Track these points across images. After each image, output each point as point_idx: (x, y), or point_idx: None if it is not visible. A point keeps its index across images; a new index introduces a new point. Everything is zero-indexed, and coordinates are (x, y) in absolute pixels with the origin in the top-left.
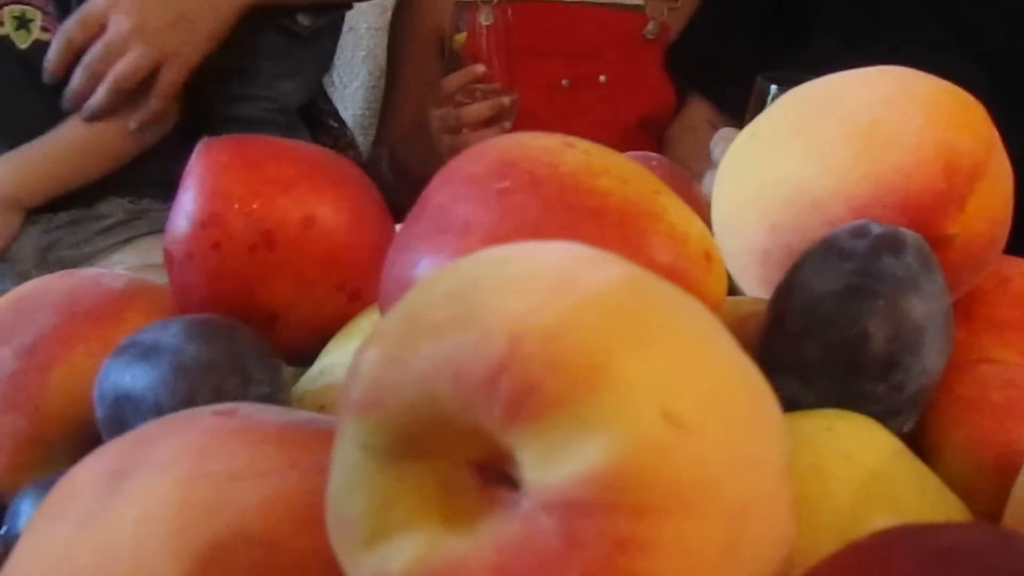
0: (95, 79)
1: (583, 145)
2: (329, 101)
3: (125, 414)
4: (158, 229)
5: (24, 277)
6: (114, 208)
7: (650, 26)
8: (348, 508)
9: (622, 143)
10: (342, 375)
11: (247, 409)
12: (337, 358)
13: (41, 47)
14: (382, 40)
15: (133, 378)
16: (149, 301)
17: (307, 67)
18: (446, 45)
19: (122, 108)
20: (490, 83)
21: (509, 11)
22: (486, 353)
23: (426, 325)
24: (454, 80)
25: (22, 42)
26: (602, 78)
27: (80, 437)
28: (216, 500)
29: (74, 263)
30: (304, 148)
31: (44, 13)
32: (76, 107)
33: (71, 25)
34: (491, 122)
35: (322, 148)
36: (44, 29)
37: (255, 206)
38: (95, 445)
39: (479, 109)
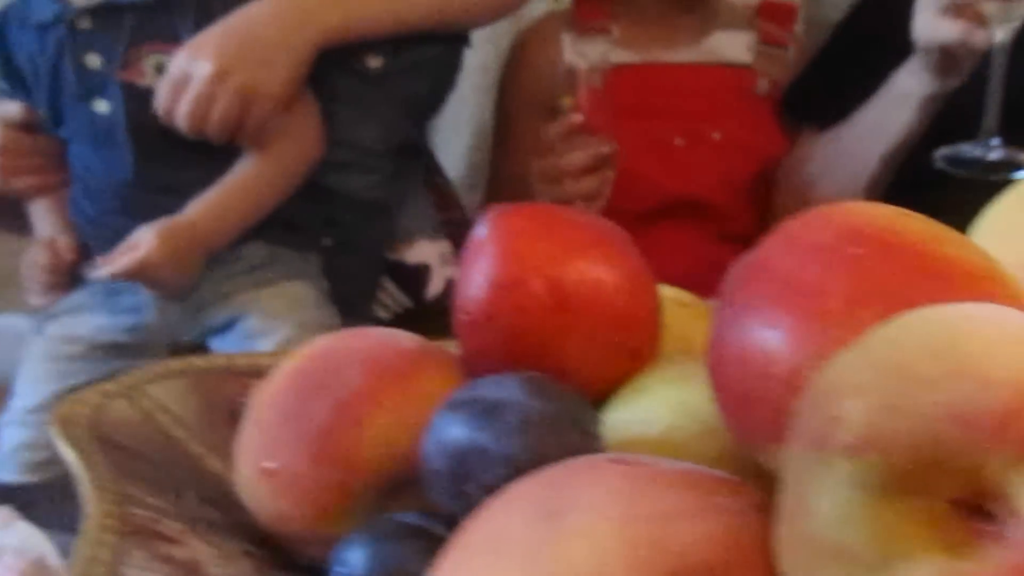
0: (196, 129)
1: (916, 215)
2: (433, 156)
3: (471, 466)
4: (296, 275)
5: (164, 311)
6: (256, 251)
7: (761, 83)
8: (846, 538)
9: (736, 198)
10: (639, 431)
11: (642, 457)
12: (628, 414)
13: None
14: (485, 101)
15: (479, 432)
16: (439, 360)
17: (384, 110)
18: (554, 107)
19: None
20: (591, 135)
21: (608, 71)
22: (992, 401)
23: (918, 377)
24: (554, 128)
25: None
26: (716, 135)
27: (383, 488)
28: (663, 537)
29: (211, 301)
30: (584, 216)
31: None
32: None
33: (163, 91)
34: (591, 172)
35: (595, 216)
36: None
37: (553, 270)
38: (398, 496)
39: (579, 158)
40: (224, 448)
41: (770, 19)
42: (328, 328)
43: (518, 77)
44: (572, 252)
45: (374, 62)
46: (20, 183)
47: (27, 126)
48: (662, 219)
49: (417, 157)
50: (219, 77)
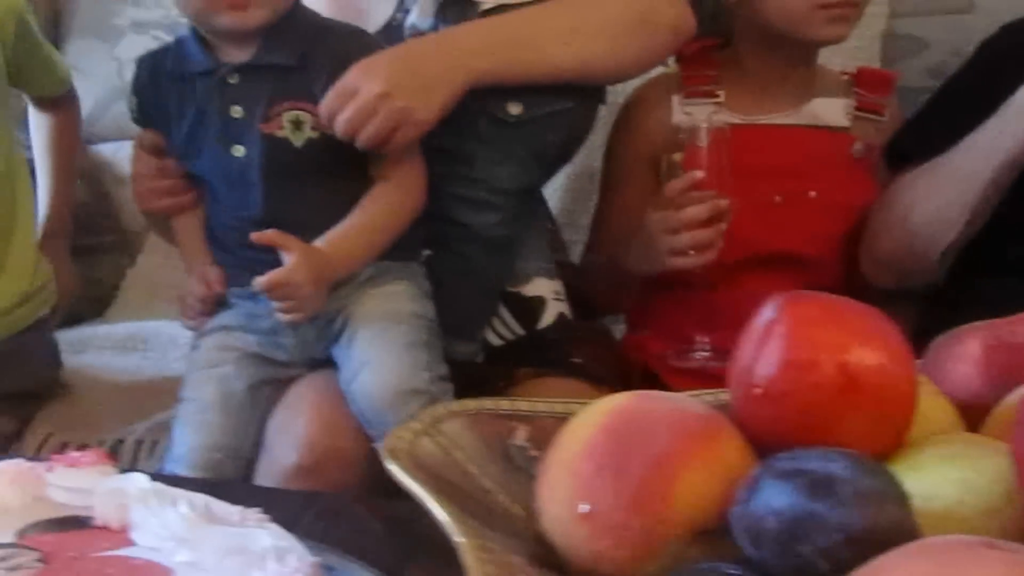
0: (348, 132)
1: None
2: (545, 202)
3: (806, 531)
4: (398, 278)
5: (299, 332)
6: (366, 267)
7: (857, 146)
8: None
9: (826, 251)
10: (921, 505)
11: (1003, 543)
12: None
13: (312, 144)
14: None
15: (814, 501)
16: (728, 425)
17: (519, 155)
18: (664, 163)
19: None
20: (708, 191)
21: (728, 131)
22: None
23: None
24: (675, 185)
25: (297, 140)
26: (812, 194)
27: (689, 536)
28: None
29: (334, 314)
30: (859, 305)
31: (313, 115)
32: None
33: (328, 99)
34: (708, 224)
35: (866, 305)
36: (313, 128)
37: (842, 354)
38: (700, 544)
39: (697, 211)
40: (506, 485)
41: (867, 87)
42: (421, 319)
43: (628, 135)
44: (857, 337)
45: (514, 109)
46: (158, 204)
47: (157, 151)
48: (754, 269)
49: (537, 201)
50: (384, 96)
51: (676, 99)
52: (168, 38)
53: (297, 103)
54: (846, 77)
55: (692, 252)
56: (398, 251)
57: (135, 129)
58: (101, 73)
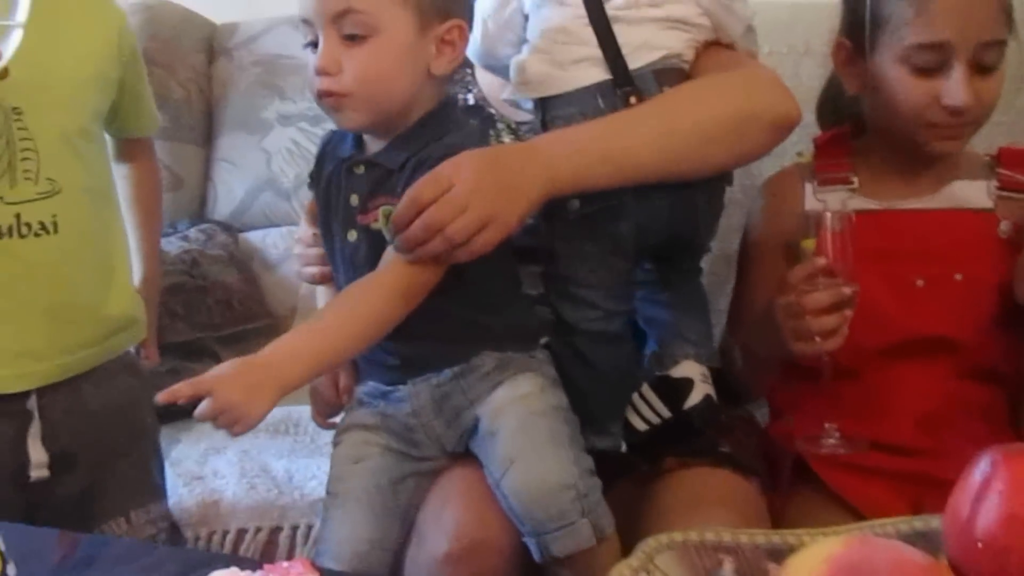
0: (431, 230)
1: None
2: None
3: None
4: (522, 370)
5: (428, 428)
6: (487, 359)
7: (1003, 225)
8: None
9: (981, 334)
10: None
11: None
12: None
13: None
14: None
15: None
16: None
17: (591, 250)
18: (795, 250)
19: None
20: (836, 275)
21: (853, 218)
22: None
23: None
24: (798, 272)
25: (389, 234)
26: (958, 276)
27: None
28: None
29: (462, 408)
30: None
31: None
32: (407, 251)
33: (420, 185)
34: (832, 310)
35: None
36: None
37: None
38: None
39: (820, 297)
40: None
41: (1010, 166)
42: (558, 410)
43: (763, 222)
44: None
45: (573, 204)
46: (307, 271)
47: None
48: (905, 356)
49: (694, 285)
50: (475, 192)
51: (810, 187)
52: (312, 130)
53: (392, 199)
54: (987, 158)
55: (818, 338)
56: (516, 342)
57: (282, 217)
58: (250, 164)
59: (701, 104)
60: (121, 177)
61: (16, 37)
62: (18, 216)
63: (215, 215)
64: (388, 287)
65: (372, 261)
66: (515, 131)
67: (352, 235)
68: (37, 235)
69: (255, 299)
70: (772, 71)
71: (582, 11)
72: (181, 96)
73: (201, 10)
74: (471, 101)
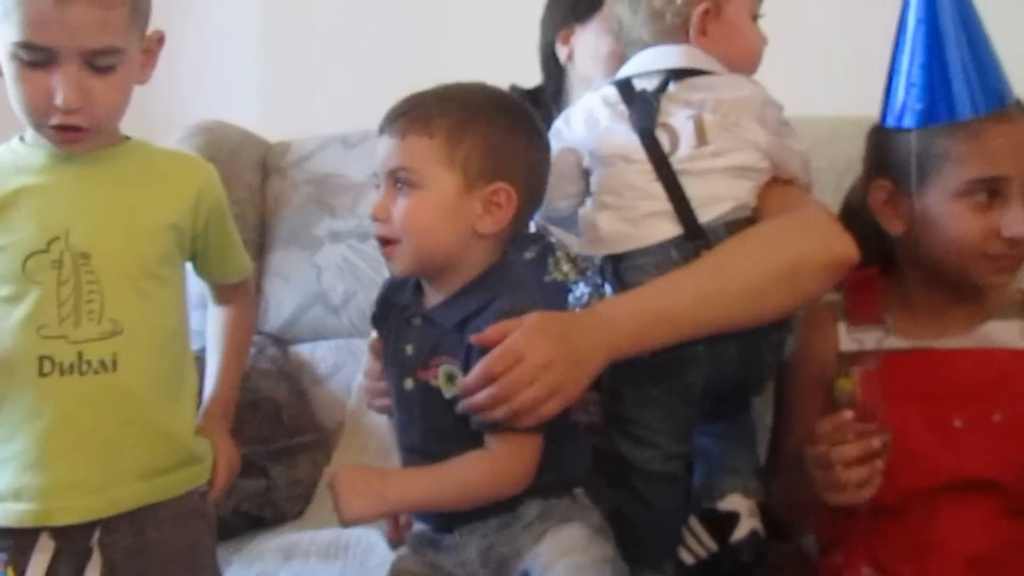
0: (499, 400)
1: None
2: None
3: None
4: (566, 519)
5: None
6: (531, 508)
7: None
8: None
9: (1020, 480)
10: None
11: None
12: None
13: (459, 399)
14: None
15: None
16: None
17: (660, 397)
18: (831, 389)
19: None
20: (866, 423)
21: (876, 371)
22: None
23: None
24: (826, 424)
25: (448, 393)
26: (996, 417)
27: None
28: None
29: (508, 558)
30: None
31: (463, 373)
32: (471, 412)
33: (493, 359)
34: (863, 461)
35: None
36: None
37: None
38: None
39: (850, 450)
40: None
41: None
42: (606, 563)
43: (797, 360)
44: None
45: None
46: (379, 403)
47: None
48: (949, 495)
49: (743, 418)
50: (545, 366)
51: (843, 326)
52: (361, 247)
53: (452, 359)
54: (1020, 296)
55: (850, 488)
56: (560, 487)
57: (331, 331)
58: (301, 279)
59: (753, 256)
60: (214, 315)
61: None
62: (80, 354)
63: (266, 328)
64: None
65: (426, 412)
66: (573, 259)
67: (408, 383)
68: (97, 372)
69: (304, 413)
70: (825, 209)
71: (648, 166)
72: (235, 213)
73: (256, 129)
74: (532, 228)
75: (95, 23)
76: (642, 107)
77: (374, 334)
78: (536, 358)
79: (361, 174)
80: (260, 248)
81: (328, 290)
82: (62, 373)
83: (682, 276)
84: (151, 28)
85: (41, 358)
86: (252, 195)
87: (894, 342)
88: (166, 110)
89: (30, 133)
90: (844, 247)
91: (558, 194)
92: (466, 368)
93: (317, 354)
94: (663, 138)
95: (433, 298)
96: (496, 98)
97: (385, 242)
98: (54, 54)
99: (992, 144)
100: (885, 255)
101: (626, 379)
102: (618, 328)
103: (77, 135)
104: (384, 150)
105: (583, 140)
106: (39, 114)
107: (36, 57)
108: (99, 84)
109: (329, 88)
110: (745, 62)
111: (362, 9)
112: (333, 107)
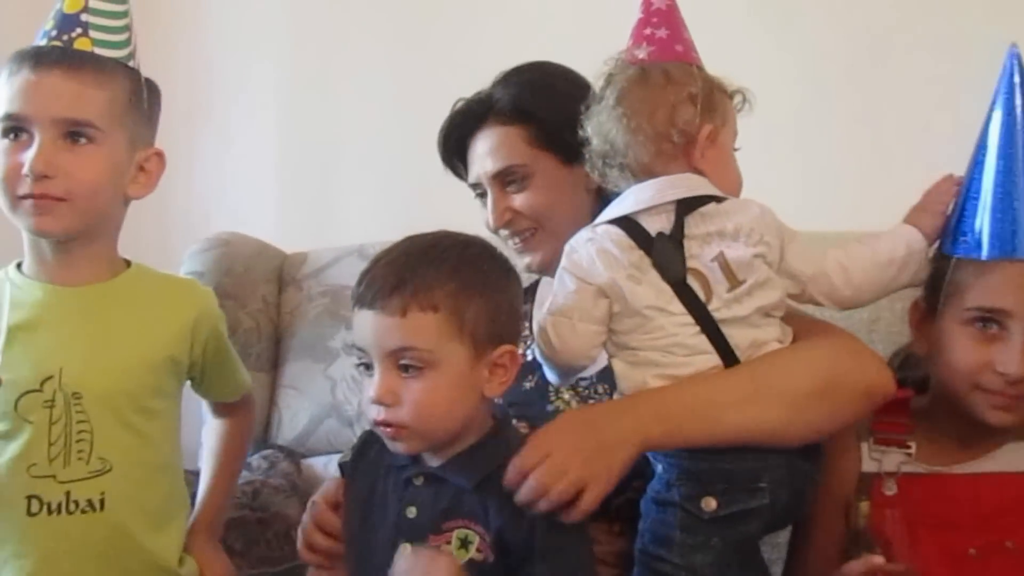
0: (537, 494)
1: None
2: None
3: None
4: None
5: None
6: None
7: None
8: None
9: None
10: None
11: None
12: None
13: (472, 564)
14: None
15: None
16: None
17: (717, 546)
18: (852, 511)
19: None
20: (890, 557)
21: (898, 513)
22: None
23: None
24: (854, 568)
25: (461, 557)
26: (1009, 544)
27: None
28: None
29: None
30: None
31: (482, 539)
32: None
33: (524, 453)
34: None
35: None
36: (478, 550)
37: None
38: None
39: None
40: None
41: None
42: None
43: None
44: None
45: (710, 504)
46: (308, 556)
47: (334, 506)
48: None
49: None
50: (572, 459)
51: (866, 446)
52: None
53: (470, 523)
54: None
55: None
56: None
57: (345, 444)
58: (315, 391)
59: (794, 370)
60: (210, 428)
61: None
62: (68, 494)
63: (279, 440)
64: None
65: None
66: (575, 387)
67: (406, 549)
68: (84, 512)
69: None
70: (856, 338)
71: (688, 318)
72: (250, 326)
73: (272, 239)
74: (529, 357)
75: (68, 94)
76: (666, 254)
77: (332, 477)
78: (564, 449)
79: None
80: (274, 360)
81: (342, 402)
82: (49, 513)
83: (720, 377)
84: (169, 141)
85: (29, 497)
86: (267, 307)
87: (914, 466)
88: (184, 221)
89: (27, 262)
90: (884, 378)
91: (581, 356)
92: (487, 528)
93: (331, 468)
94: (695, 285)
95: (433, 458)
96: (474, 250)
97: (387, 425)
98: (31, 125)
99: (998, 277)
100: (924, 378)
101: (682, 526)
102: (650, 416)
103: (49, 204)
104: (376, 328)
105: (608, 283)
106: (10, 184)
107: (14, 127)
108: (72, 158)
109: (345, 200)
110: (734, 191)
111: (377, 125)
112: (349, 219)
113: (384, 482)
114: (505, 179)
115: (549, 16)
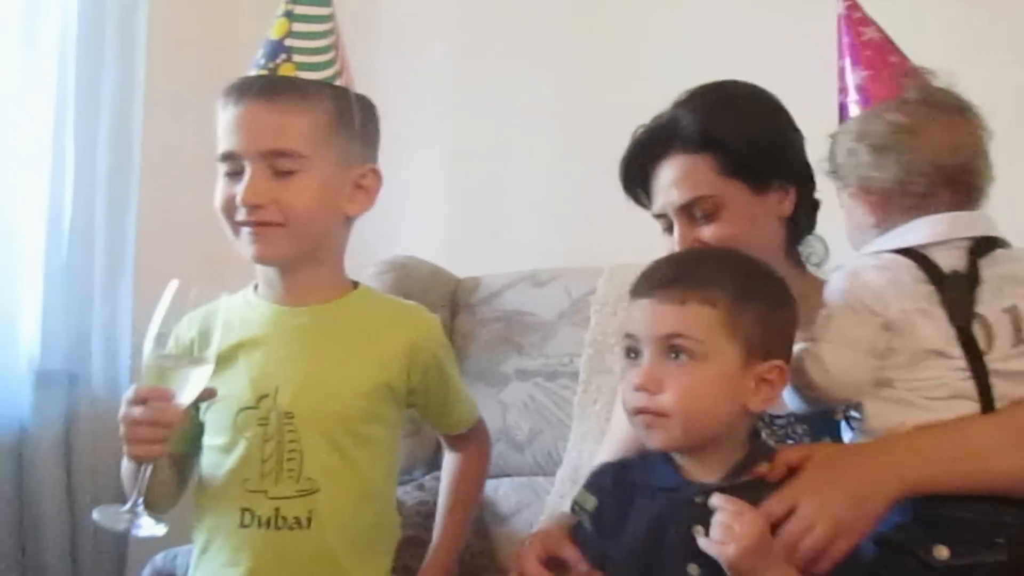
0: (788, 549)
1: None
2: None
3: None
4: None
5: None
6: None
7: None
8: None
9: None
10: None
11: None
12: None
13: None
14: None
15: None
16: None
17: None
18: None
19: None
20: None
21: None
22: None
23: None
24: None
25: None
26: None
27: None
28: None
29: None
30: None
31: None
32: None
33: (771, 502)
34: None
35: None
36: None
37: None
38: None
39: None
40: None
41: None
42: None
43: None
44: None
45: (941, 553)
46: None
47: (550, 561)
48: None
49: None
50: (822, 510)
51: None
52: (548, 385)
53: None
54: None
55: None
56: None
57: (515, 469)
58: (486, 416)
59: None
60: (446, 463)
61: (207, 371)
62: (277, 510)
63: None
64: None
65: None
66: (769, 424)
67: (693, 569)
68: (292, 529)
69: (485, 553)
70: None
71: (963, 363)
72: None
73: (445, 264)
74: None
75: (270, 125)
76: (958, 295)
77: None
78: (812, 501)
79: (550, 312)
80: None
81: (513, 427)
82: (260, 526)
83: (977, 422)
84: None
85: (243, 510)
86: None
87: None
88: (360, 245)
89: (261, 284)
90: None
91: (847, 390)
92: None
93: (500, 491)
94: (978, 332)
95: (700, 471)
96: (759, 265)
97: (647, 411)
98: (241, 159)
99: None
100: None
101: (910, 573)
102: (907, 462)
103: (265, 231)
104: (652, 315)
105: (898, 315)
106: (226, 214)
107: (231, 167)
108: (280, 185)
109: (515, 225)
110: None
111: (548, 150)
112: (519, 243)
113: (663, 507)
114: (693, 211)
115: (721, 33)
